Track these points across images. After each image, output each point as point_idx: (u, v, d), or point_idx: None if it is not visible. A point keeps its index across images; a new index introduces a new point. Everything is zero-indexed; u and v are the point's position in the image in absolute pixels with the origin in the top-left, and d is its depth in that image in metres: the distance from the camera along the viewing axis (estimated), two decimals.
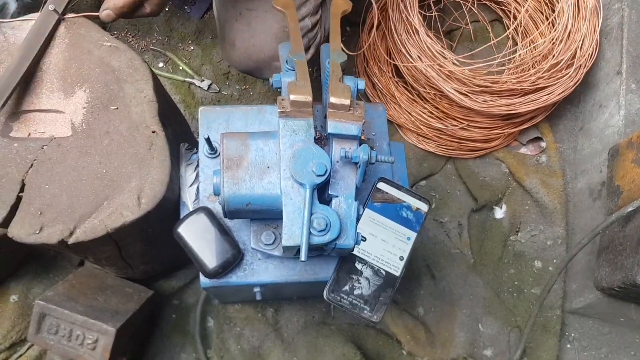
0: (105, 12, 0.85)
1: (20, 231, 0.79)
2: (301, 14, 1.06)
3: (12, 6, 1.13)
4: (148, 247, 0.95)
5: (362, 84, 0.79)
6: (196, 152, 0.93)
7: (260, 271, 0.86)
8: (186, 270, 1.26)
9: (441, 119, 1.35)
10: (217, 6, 1.10)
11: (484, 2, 1.52)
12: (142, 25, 1.50)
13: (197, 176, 0.90)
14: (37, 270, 1.24)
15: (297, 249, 0.74)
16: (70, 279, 1.08)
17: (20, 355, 1.17)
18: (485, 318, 1.27)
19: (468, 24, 1.42)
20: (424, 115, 1.36)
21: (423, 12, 1.36)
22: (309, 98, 0.74)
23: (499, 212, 1.37)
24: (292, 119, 0.75)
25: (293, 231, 0.71)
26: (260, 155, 0.74)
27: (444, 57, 1.28)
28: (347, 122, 0.75)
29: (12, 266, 1.21)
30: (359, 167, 0.74)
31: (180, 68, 1.45)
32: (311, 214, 0.70)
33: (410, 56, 1.29)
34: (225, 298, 1.16)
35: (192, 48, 1.49)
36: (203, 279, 0.85)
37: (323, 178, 0.71)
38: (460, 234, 1.35)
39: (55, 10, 0.86)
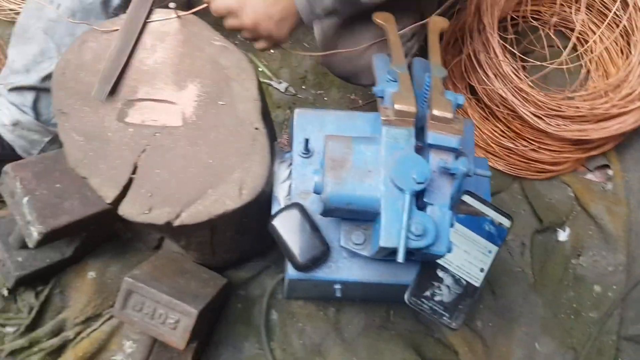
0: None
1: (131, 210, 0.84)
2: (402, 24, 1.10)
3: (116, 0, 1.19)
4: (237, 236, 1.00)
5: (461, 99, 0.83)
6: (289, 151, 0.98)
7: (344, 269, 0.90)
8: (254, 262, 1.31)
9: (512, 139, 1.38)
10: None
11: (560, 28, 1.54)
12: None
13: (289, 173, 0.95)
14: (114, 250, 1.31)
15: (391, 251, 0.78)
16: (152, 261, 1.14)
17: (94, 330, 1.23)
18: (542, 337, 1.29)
19: (544, 48, 1.45)
20: (495, 133, 1.39)
21: (500, 33, 1.39)
22: (414, 109, 0.78)
23: (563, 235, 1.38)
24: (394, 127, 0.79)
25: (391, 233, 0.75)
26: (362, 159, 0.79)
27: (520, 80, 1.30)
28: (447, 135, 0.79)
29: (93, 245, 1.27)
30: (457, 178, 0.78)
31: (260, 69, 1.51)
32: (409, 218, 0.74)
33: (487, 76, 1.33)
34: (301, 292, 1.20)
35: (272, 51, 1.55)
36: (291, 271, 0.90)
37: (423, 185, 0.75)
38: (522, 253, 1.37)
39: (174, 8, 0.92)
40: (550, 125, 1.31)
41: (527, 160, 1.39)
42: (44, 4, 1.16)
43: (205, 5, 0.95)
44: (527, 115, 1.30)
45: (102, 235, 1.27)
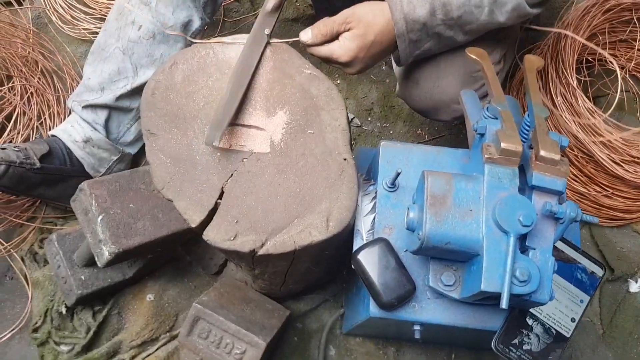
0: (304, 32, 0.91)
1: (216, 236, 0.82)
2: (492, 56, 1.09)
3: (196, 23, 1.20)
4: (312, 267, 0.98)
5: (566, 140, 0.80)
6: (373, 184, 0.95)
7: (429, 310, 0.87)
8: (314, 295, 1.28)
9: (585, 183, 1.34)
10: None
11: (635, 73, 1.51)
12: None
13: (373, 207, 0.92)
14: (173, 274, 1.29)
15: (488, 296, 0.75)
16: (218, 287, 1.12)
17: (149, 355, 1.21)
18: None
19: (619, 92, 1.41)
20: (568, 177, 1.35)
21: (577, 76, 1.36)
22: (520, 148, 0.76)
23: (635, 286, 1.33)
24: (498, 165, 0.77)
25: (494, 277, 0.72)
26: (463, 197, 0.76)
27: (597, 123, 1.27)
28: (552, 176, 0.76)
29: (154, 267, 1.26)
30: (562, 222, 0.74)
31: None
32: (514, 262, 0.71)
33: (563, 115, 1.30)
34: (368, 330, 1.16)
35: (338, 81, 1.54)
36: (373, 309, 0.86)
37: (529, 229, 0.72)
38: (591, 302, 1.31)
39: (267, 34, 0.92)
40: (629, 171, 1.26)
41: (598, 207, 1.35)
42: (125, 24, 1.17)
43: (296, 39, 0.95)
44: (604, 160, 1.26)
45: (163, 258, 1.26)
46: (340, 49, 0.94)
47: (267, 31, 0.92)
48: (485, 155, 0.77)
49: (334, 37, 0.95)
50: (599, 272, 0.88)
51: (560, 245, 0.88)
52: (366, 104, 1.51)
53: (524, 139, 0.82)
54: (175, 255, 1.29)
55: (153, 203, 1.07)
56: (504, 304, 0.69)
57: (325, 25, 0.93)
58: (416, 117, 1.50)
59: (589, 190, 1.33)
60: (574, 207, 0.73)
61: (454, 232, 0.74)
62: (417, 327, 0.90)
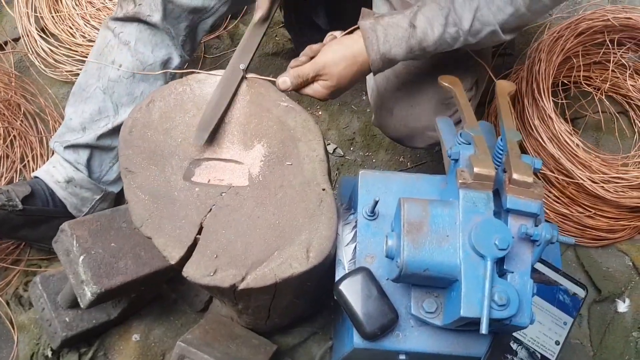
0: (282, 80, 0.93)
1: (195, 272, 0.82)
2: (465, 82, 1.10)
3: (176, 61, 1.22)
4: (296, 300, 0.97)
5: (539, 163, 0.81)
6: (353, 213, 0.95)
7: (412, 339, 0.86)
8: (302, 328, 1.27)
9: (567, 205, 1.35)
10: (377, 77, 1.16)
11: (611, 94, 1.54)
12: None
13: (354, 236, 0.92)
14: (159, 312, 1.28)
15: (468, 321, 0.75)
16: (203, 324, 1.11)
17: None
18: None
19: (596, 113, 1.44)
20: (549, 199, 1.36)
21: (553, 98, 1.38)
22: (493, 172, 0.76)
23: (622, 306, 1.33)
24: (473, 190, 0.77)
25: (472, 302, 0.71)
26: (440, 223, 0.76)
27: (575, 144, 1.29)
28: (527, 199, 0.76)
29: (139, 306, 1.25)
30: (538, 245, 0.74)
31: None
32: (492, 287, 0.71)
33: (542, 140, 1.31)
34: None
35: (319, 113, 1.56)
36: (357, 340, 0.86)
37: (505, 252, 0.72)
38: (580, 324, 1.31)
39: (243, 69, 0.93)
40: (609, 191, 1.27)
41: (582, 227, 1.36)
42: (105, 64, 1.19)
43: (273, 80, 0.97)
44: (584, 181, 1.27)
45: (148, 296, 1.25)
46: (316, 94, 0.97)
47: (242, 66, 0.93)
48: (460, 181, 0.78)
49: (310, 82, 0.97)
50: (581, 293, 0.88)
51: (541, 267, 0.89)
52: (348, 134, 1.53)
53: (497, 164, 0.83)
54: (160, 294, 1.28)
55: (135, 241, 1.07)
56: (483, 329, 0.69)
57: (299, 76, 0.94)
58: (398, 145, 1.51)
59: (572, 212, 1.34)
60: (549, 229, 0.73)
61: (432, 258, 0.75)
62: (402, 357, 0.89)
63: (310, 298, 1.02)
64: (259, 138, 0.91)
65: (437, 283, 0.79)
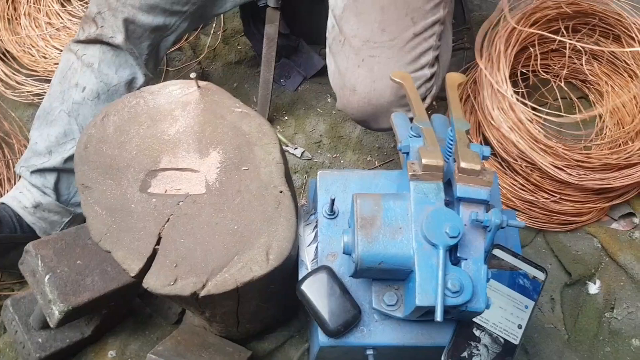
0: None
1: (156, 282, 0.82)
2: (421, 63, 1.12)
3: (140, 80, 1.23)
4: (262, 304, 0.98)
5: (487, 150, 0.82)
6: (314, 213, 0.96)
7: (377, 333, 0.87)
8: (278, 333, 1.27)
9: (532, 192, 1.37)
10: (336, 56, 1.16)
11: (571, 80, 1.56)
12: (241, 97, 1.59)
13: (315, 236, 0.93)
14: (134, 328, 1.28)
15: (427, 310, 0.76)
16: (175, 336, 1.11)
17: None
18: None
19: (557, 100, 1.46)
20: (514, 187, 1.38)
21: (512, 88, 1.40)
22: (441, 162, 0.78)
23: (593, 288, 1.34)
24: (423, 181, 0.78)
25: (427, 291, 0.72)
26: (392, 216, 0.77)
27: (537, 131, 1.30)
28: (476, 187, 0.77)
29: (113, 322, 1.25)
30: (489, 231, 0.76)
31: None
32: (445, 274, 0.72)
33: (502, 129, 1.33)
34: None
35: (286, 118, 1.57)
36: (322, 338, 0.86)
37: (456, 240, 0.73)
38: (553, 308, 1.33)
39: (193, 78, 0.94)
40: (572, 175, 1.29)
41: (549, 213, 1.37)
42: (69, 87, 1.19)
43: None
44: (547, 166, 1.29)
45: (121, 312, 1.25)
46: None
47: (192, 74, 0.94)
48: (410, 173, 0.79)
49: None
50: (540, 276, 0.89)
51: (500, 253, 0.90)
52: (315, 137, 1.54)
53: (448, 154, 0.84)
54: (134, 308, 1.28)
55: (101, 257, 1.07)
56: (438, 316, 0.70)
57: None
58: (365, 145, 1.52)
59: (538, 198, 1.36)
60: (498, 214, 0.74)
61: (386, 251, 0.75)
62: (370, 352, 0.89)
63: (279, 302, 1.02)
64: (214, 145, 0.92)
65: (395, 275, 0.80)
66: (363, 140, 1.53)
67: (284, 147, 1.49)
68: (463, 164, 0.77)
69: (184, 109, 0.94)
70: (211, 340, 1.14)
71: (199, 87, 0.96)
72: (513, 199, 1.38)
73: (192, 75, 0.93)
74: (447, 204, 0.84)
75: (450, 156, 0.83)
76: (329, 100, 1.59)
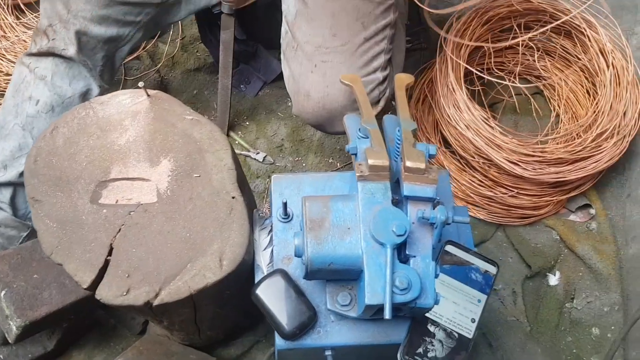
0: None
1: (108, 293, 0.82)
2: (373, 66, 1.13)
3: (95, 91, 1.22)
4: (220, 310, 0.98)
5: (433, 149, 0.83)
6: (269, 218, 0.97)
7: (333, 333, 0.87)
8: (244, 338, 1.27)
9: (490, 187, 1.39)
10: (290, 62, 1.17)
11: (525, 76, 1.59)
12: (201, 104, 1.59)
13: (270, 240, 0.94)
14: (98, 339, 1.27)
15: (377, 309, 0.77)
16: (137, 346, 1.10)
17: None
18: None
19: (512, 96, 1.48)
20: (473, 183, 1.40)
21: (467, 86, 1.42)
22: (387, 162, 0.79)
23: (553, 279, 1.37)
24: (370, 182, 0.79)
25: (376, 290, 0.73)
26: (341, 217, 0.78)
27: (492, 128, 1.33)
28: (422, 185, 0.79)
29: (76, 335, 1.23)
30: (436, 227, 0.77)
31: (237, 142, 1.53)
32: (393, 272, 0.73)
33: (459, 127, 1.35)
34: None
35: (247, 123, 1.57)
36: (279, 341, 0.87)
37: (403, 238, 0.74)
38: (515, 301, 1.35)
39: (142, 87, 0.94)
40: (527, 170, 1.32)
41: (507, 207, 1.39)
42: (22, 100, 1.18)
43: None
44: (502, 162, 1.31)
45: (84, 324, 1.24)
46: None
47: (141, 84, 0.93)
48: (357, 174, 0.80)
49: None
50: (492, 270, 0.91)
51: (453, 249, 0.91)
52: (277, 141, 1.54)
53: (397, 154, 0.85)
54: (98, 320, 1.27)
55: (59, 271, 1.05)
56: (387, 314, 0.71)
57: None
58: (326, 147, 1.53)
59: (496, 193, 1.38)
60: (443, 211, 0.75)
61: (335, 252, 0.76)
62: (328, 353, 0.90)
63: (238, 307, 1.02)
64: (165, 153, 0.92)
65: (347, 276, 0.81)
66: (324, 142, 1.54)
67: (245, 153, 1.50)
68: (408, 163, 0.78)
69: (134, 118, 0.94)
70: (174, 349, 1.13)
71: (148, 95, 0.95)
72: (472, 195, 1.40)
73: (140, 84, 0.93)
74: (397, 203, 0.85)
75: (398, 156, 0.84)
76: (289, 104, 1.60)
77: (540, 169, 1.33)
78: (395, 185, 0.82)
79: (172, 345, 1.14)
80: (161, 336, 1.16)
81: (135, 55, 1.62)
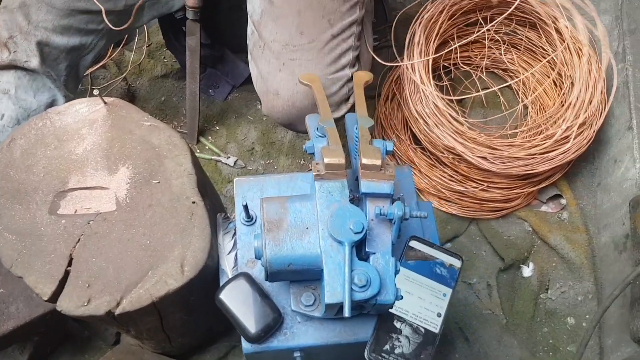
0: None
1: (69, 304, 0.81)
2: (341, 63, 1.13)
3: (61, 101, 1.21)
4: (188, 317, 0.97)
5: (390, 145, 0.83)
6: (232, 221, 0.96)
7: (300, 334, 0.87)
8: (219, 344, 1.27)
9: (461, 182, 1.39)
10: (257, 61, 1.17)
11: (492, 70, 1.60)
12: (170, 110, 1.58)
13: (234, 244, 0.93)
14: (72, 352, 1.26)
15: (339, 308, 0.76)
16: (109, 356, 1.10)
17: None
18: None
19: (479, 91, 1.49)
20: (444, 179, 1.40)
21: (435, 82, 1.43)
22: (342, 160, 0.79)
23: (527, 271, 1.37)
24: (327, 181, 0.79)
25: (335, 288, 0.73)
26: (299, 217, 0.78)
27: (460, 124, 1.33)
28: (379, 182, 0.79)
29: (48, 348, 1.22)
30: (394, 223, 0.77)
31: (207, 147, 1.52)
32: (352, 270, 0.73)
33: (427, 124, 1.35)
34: None
35: (217, 128, 1.56)
36: (245, 345, 0.86)
37: (361, 235, 0.74)
38: (490, 294, 1.35)
39: (97, 94, 0.93)
40: (495, 163, 1.32)
41: (479, 201, 1.40)
42: None
43: None
44: (471, 157, 1.31)
45: (56, 337, 1.22)
46: None
47: (96, 92, 0.93)
48: (314, 173, 0.79)
49: None
50: (457, 263, 0.91)
51: (417, 244, 0.91)
52: (247, 144, 1.54)
53: (356, 152, 0.85)
54: (70, 332, 1.26)
55: (25, 284, 1.05)
56: (346, 312, 0.71)
57: None
58: (297, 148, 1.53)
59: (467, 188, 1.38)
60: (400, 207, 0.75)
61: (294, 253, 0.76)
62: (297, 354, 0.90)
63: (207, 313, 1.02)
64: (123, 160, 0.91)
65: (308, 276, 0.80)
66: (295, 144, 1.53)
67: (216, 158, 1.49)
68: (364, 160, 0.79)
69: (91, 126, 0.93)
70: (147, 357, 1.12)
71: (105, 103, 0.95)
72: (444, 191, 1.40)
73: (95, 92, 0.92)
74: (357, 200, 0.85)
75: (357, 153, 0.84)
76: (259, 107, 1.59)
77: (509, 162, 1.33)
78: (357, 182, 0.82)
79: (145, 355, 1.13)
80: (134, 346, 1.16)
81: (101, 64, 1.61)
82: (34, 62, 1.15)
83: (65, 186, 0.89)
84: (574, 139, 1.36)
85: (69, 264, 0.84)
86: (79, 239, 0.85)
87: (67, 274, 0.83)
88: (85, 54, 1.26)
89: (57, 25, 1.17)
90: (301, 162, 1.52)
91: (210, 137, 1.55)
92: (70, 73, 1.25)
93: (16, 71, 1.17)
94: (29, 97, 1.17)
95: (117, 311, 0.81)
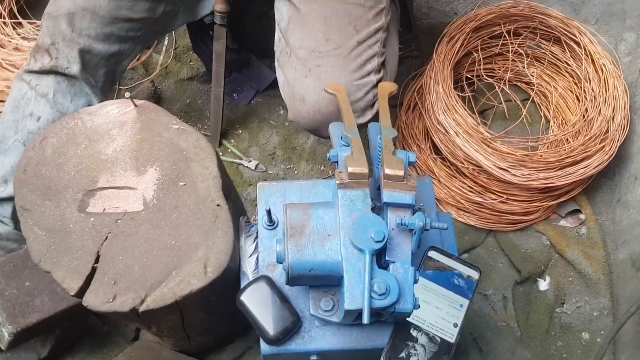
0: None
1: (95, 300, 0.84)
2: (367, 69, 1.15)
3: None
4: (208, 316, 0.99)
5: (413, 156, 0.85)
6: (254, 225, 0.98)
7: (317, 338, 0.89)
8: (236, 344, 1.28)
9: (480, 193, 1.40)
10: (284, 68, 1.19)
11: (515, 83, 1.60)
12: (194, 112, 1.61)
13: (256, 247, 0.95)
14: (91, 346, 1.28)
15: (357, 314, 0.78)
16: (128, 352, 1.12)
17: None
18: None
19: (502, 103, 1.50)
20: (463, 189, 1.41)
21: (458, 93, 1.44)
22: (366, 170, 0.80)
23: (543, 284, 1.38)
24: (350, 189, 0.81)
25: (355, 295, 0.75)
26: (321, 224, 0.80)
27: (482, 134, 1.34)
28: (401, 192, 0.80)
29: (70, 342, 1.25)
30: (415, 233, 0.78)
31: (229, 150, 1.54)
32: (371, 278, 0.74)
33: (448, 133, 1.36)
34: None
35: (239, 131, 1.59)
36: (264, 346, 0.88)
37: (381, 244, 0.76)
38: (505, 306, 1.36)
39: (128, 97, 0.96)
40: (516, 175, 1.33)
41: (498, 213, 1.40)
42: (23, 116, 1.19)
43: None
44: (491, 168, 1.32)
45: (77, 331, 1.25)
46: None
47: (127, 94, 0.95)
48: (337, 181, 0.81)
49: None
50: (475, 275, 0.92)
51: (436, 255, 0.92)
52: (269, 149, 1.56)
53: (379, 161, 0.87)
54: (90, 327, 1.29)
55: (51, 278, 1.07)
56: (365, 319, 0.72)
57: None
58: (318, 154, 1.55)
59: (486, 199, 1.39)
60: (421, 217, 0.77)
61: (315, 258, 0.78)
62: (313, 357, 0.91)
63: (227, 313, 1.03)
64: (151, 162, 0.94)
65: (328, 281, 0.82)
66: (316, 150, 1.55)
67: (238, 161, 1.52)
68: (387, 171, 0.80)
69: (121, 128, 0.96)
70: (166, 354, 1.14)
71: (135, 105, 0.97)
72: (462, 202, 1.41)
73: (127, 94, 0.95)
74: (378, 209, 0.87)
75: (380, 163, 0.86)
76: (281, 112, 1.61)
77: (529, 174, 1.34)
78: (379, 192, 0.84)
79: (164, 351, 1.15)
80: (153, 342, 1.18)
81: (131, 67, 1.64)
82: (75, 68, 1.18)
83: (95, 185, 0.92)
84: (595, 154, 1.36)
85: (96, 261, 0.86)
86: (106, 237, 0.88)
87: (93, 270, 0.86)
88: (122, 60, 1.29)
89: (100, 33, 1.20)
90: (321, 168, 1.54)
91: (232, 140, 1.57)
92: (107, 78, 1.27)
93: (55, 76, 1.19)
94: (66, 101, 1.20)
95: (141, 308, 0.83)
